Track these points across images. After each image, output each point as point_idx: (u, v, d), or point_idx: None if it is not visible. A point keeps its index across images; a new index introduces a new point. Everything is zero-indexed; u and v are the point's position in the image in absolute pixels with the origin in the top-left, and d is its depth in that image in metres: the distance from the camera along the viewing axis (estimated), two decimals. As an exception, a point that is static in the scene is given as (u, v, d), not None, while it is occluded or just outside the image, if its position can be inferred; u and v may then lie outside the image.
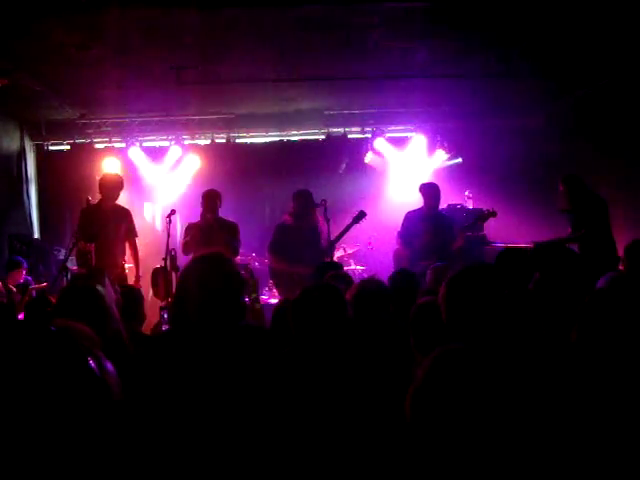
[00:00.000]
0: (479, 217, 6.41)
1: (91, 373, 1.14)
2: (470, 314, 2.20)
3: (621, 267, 5.67)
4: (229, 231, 6.26)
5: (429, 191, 6.40)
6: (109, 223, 6.27)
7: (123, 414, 1.28)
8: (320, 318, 2.46)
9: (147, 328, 4.75)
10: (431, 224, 6.26)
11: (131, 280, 6.24)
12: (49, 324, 1.24)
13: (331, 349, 2.40)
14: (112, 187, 6.41)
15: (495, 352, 1.44)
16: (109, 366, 1.21)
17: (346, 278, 4.07)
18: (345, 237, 6.39)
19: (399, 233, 6.51)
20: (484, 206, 7.17)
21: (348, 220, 6.21)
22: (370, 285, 3.48)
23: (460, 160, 6.91)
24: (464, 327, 2.19)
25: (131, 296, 3.93)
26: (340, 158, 8.46)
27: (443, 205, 7.62)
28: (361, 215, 6.18)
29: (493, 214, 6.30)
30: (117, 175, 6.85)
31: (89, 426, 1.14)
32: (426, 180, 7.17)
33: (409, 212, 6.52)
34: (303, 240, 6.10)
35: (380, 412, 2.16)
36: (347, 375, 2.31)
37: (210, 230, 6.12)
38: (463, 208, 7.54)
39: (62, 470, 1.12)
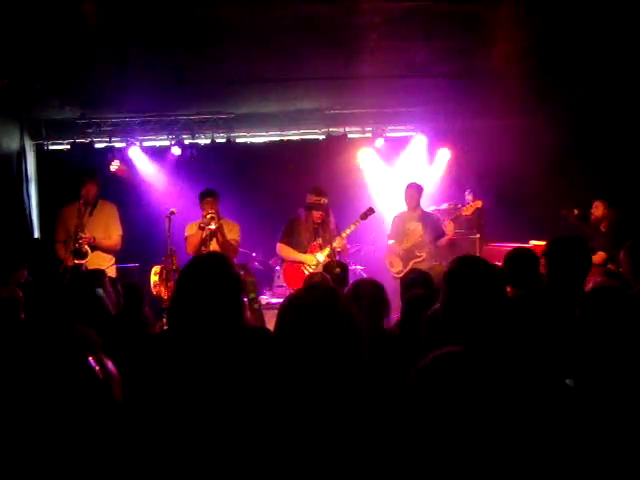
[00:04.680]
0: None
1: (91, 372, 1.14)
2: (470, 306, 2.19)
3: (611, 267, 5.70)
4: (230, 231, 6.30)
5: (406, 191, 6.66)
6: (94, 222, 6.27)
7: (123, 414, 1.28)
8: (315, 320, 2.45)
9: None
10: (418, 222, 6.52)
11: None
12: (50, 323, 1.24)
13: (327, 351, 2.39)
14: (92, 185, 6.36)
15: (496, 357, 1.43)
16: (110, 365, 1.21)
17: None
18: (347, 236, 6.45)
19: (388, 235, 6.73)
20: (484, 205, 7.19)
21: (354, 217, 6.29)
22: (366, 285, 3.47)
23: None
24: (463, 321, 2.19)
25: (133, 295, 3.92)
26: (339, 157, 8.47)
27: (443, 205, 7.67)
28: (369, 212, 6.30)
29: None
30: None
31: (89, 425, 1.14)
32: (425, 180, 7.28)
33: (397, 215, 6.78)
34: (313, 234, 6.20)
35: (376, 413, 2.16)
36: (346, 375, 2.31)
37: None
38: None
39: (62, 469, 1.12)
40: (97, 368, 1.16)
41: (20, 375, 1.11)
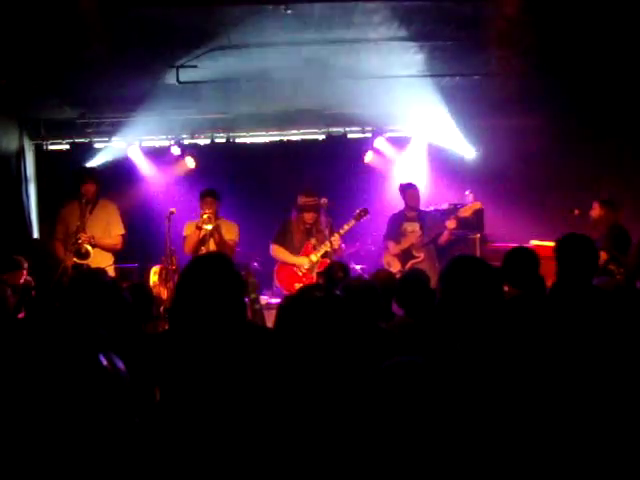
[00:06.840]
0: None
1: (103, 370, 1.14)
2: (466, 305, 2.19)
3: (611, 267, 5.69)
4: (228, 230, 6.30)
5: (402, 191, 6.66)
6: (94, 221, 6.26)
7: (132, 411, 1.28)
8: (314, 322, 2.45)
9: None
10: (416, 223, 6.54)
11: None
12: (59, 323, 1.24)
13: (327, 352, 2.39)
14: (91, 183, 6.35)
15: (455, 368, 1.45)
16: (120, 364, 1.21)
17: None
18: (345, 236, 6.45)
19: (385, 236, 6.72)
20: (484, 205, 7.20)
21: (349, 219, 6.30)
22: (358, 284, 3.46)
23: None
24: (459, 321, 2.19)
25: (140, 295, 3.90)
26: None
27: (443, 205, 7.67)
28: (362, 213, 6.29)
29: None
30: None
31: (100, 422, 1.14)
32: (425, 180, 7.28)
33: (393, 214, 6.78)
34: (306, 235, 6.21)
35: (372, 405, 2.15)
36: (345, 375, 2.30)
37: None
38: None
39: (71, 465, 1.12)
40: (108, 365, 1.16)
41: (31, 374, 1.11)
